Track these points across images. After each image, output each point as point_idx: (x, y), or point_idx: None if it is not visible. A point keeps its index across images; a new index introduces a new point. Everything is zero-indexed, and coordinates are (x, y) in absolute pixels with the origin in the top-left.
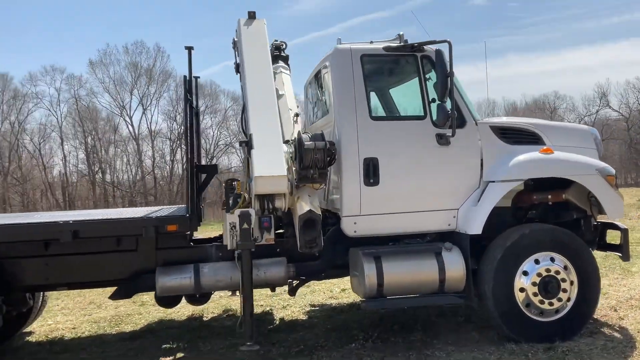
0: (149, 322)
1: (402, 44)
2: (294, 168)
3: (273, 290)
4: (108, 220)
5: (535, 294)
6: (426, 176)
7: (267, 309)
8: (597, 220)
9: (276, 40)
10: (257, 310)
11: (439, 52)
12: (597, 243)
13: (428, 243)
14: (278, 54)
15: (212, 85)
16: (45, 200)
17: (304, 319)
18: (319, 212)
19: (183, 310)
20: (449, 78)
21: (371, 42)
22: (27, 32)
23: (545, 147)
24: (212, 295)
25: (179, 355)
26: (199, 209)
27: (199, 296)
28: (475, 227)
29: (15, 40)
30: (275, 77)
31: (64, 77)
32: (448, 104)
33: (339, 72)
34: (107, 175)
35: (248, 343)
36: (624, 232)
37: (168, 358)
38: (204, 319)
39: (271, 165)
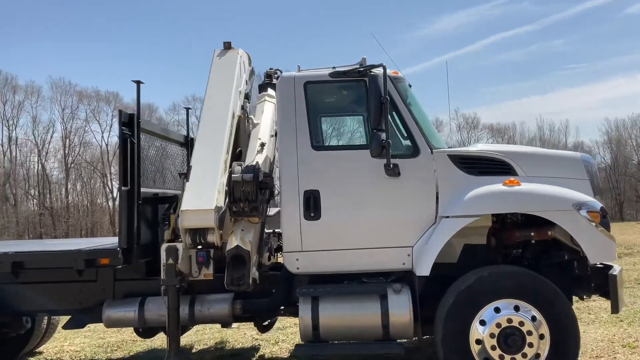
0: (141, 351)
1: (349, 69)
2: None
3: (224, 326)
4: (43, 253)
5: (493, 348)
6: (374, 210)
7: (257, 343)
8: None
9: (271, 69)
10: (248, 343)
11: (372, 77)
12: (592, 288)
13: (375, 284)
14: (269, 82)
15: None
16: None
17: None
18: (248, 249)
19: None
20: (383, 104)
21: (333, 68)
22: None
23: (511, 179)
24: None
25: None
26: (138, 241)
27: (142, 330)
28: (424, 268)
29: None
30: (256, 107)
31: None
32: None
33: (282, 100)
34: None
35: None
36: (612, 279)
37: None
38: (193, 350)
39: (200, 199)
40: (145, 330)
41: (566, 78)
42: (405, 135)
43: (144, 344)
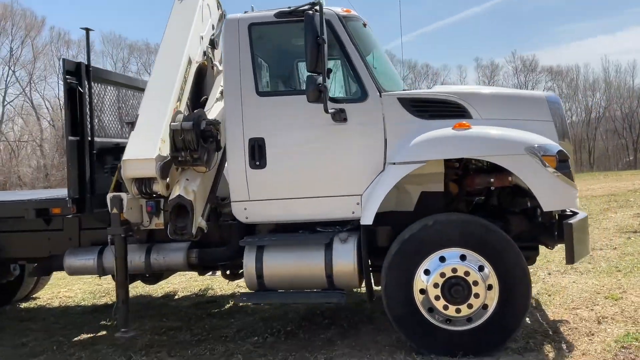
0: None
1: (294, 8)
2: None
3: (201, 274)
4: None
5: (437, 298)
6: (320, 157)
7: (238, 291)
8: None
9: (246, 12)
10: (230, 291)
11: (307, 16)
12: (556, 237)
13: (321, 233)
14: None
15: None
16: None
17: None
18: (190, 198)
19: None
20: (320, 45)
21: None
22: None
23: (461, 122)
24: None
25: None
26: (93, 191)
27: (148, 276)
28: (367, 217)
29: None
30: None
31: None
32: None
33: (227, 44)
34: None
35: (122, 330)
36: (567, 228)
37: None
38: (176, 296)
39: (142, 148)
40: (151, 276)
41: (637, 15)
42: (354, 78)
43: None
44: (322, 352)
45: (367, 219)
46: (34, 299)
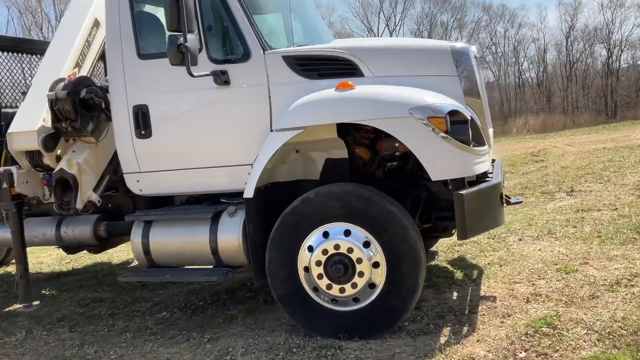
0: (89, 264)
1: None
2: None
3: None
4: None
5: (320, 276)
6: (206, 125)
7: None
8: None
9: None
10: None
11: None
12: None
13: (208, 207)
14: None
15: None
16: None
17: None
18: (73, 172)
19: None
20: (179, 1)
21: None
22: None
23: (346, 81)
24: None
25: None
26: None
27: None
28: (248, 189)
29: None
30: None
31: None
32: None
33: (108, 4)
34: None
35: (24, 304)
36: (457, 199)
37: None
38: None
39: (26, 120)
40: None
41: None
42: (236, 34)
43: (94, 258)
44: (215, 330)
45: (248, 192)
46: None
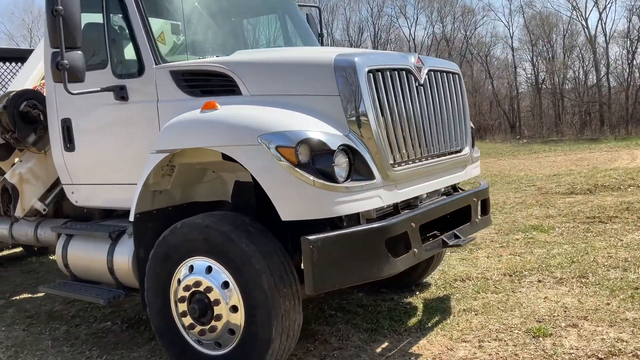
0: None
1: None
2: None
3: None
4: None
5: (184, 314)
6: (113, 141)
7: None
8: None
9: None
10: None
11: None
12: None
13: (113, 226)
14: None
15: None
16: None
17: None
18: (13, 181)
19: None
20: (56, 17)
21: None
22: None
23: (211, 101)
24: None
25: None
26: None
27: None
28: (131, 211)
29: None
30: None
31: None
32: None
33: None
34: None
35: None
36: (304, 245)
37: None
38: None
39: None
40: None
41: None
42: (134, 48)
43: None
44: (121, 352)
45: (131, 215)
46: None
